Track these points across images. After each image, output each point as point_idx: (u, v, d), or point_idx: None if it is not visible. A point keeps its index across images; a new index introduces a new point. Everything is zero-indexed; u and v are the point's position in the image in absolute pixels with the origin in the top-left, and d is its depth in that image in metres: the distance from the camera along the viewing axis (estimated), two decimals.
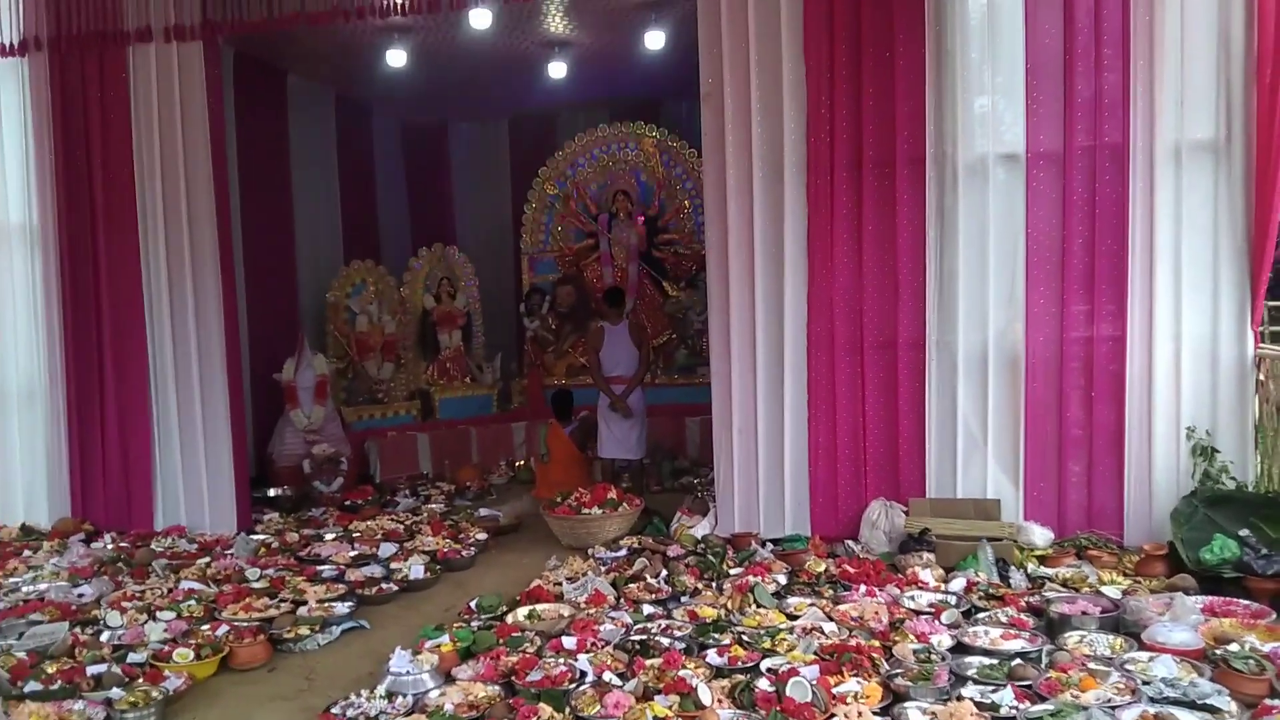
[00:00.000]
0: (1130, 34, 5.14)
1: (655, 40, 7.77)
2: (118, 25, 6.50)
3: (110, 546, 6.24)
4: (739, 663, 3.81)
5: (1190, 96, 5.13)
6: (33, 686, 3.84)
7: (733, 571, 5.08)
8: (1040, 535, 5.21)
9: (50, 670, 3.99)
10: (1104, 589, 4.53)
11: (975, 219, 5.43)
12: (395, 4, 6.22)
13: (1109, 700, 3.27)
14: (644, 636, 4.12)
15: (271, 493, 7.58)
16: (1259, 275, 5.08)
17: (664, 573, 5.09)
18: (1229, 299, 5.15)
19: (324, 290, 9.03)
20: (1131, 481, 5.26)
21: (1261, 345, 5.16)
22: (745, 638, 4.07)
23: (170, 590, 5.25)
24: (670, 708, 3.37)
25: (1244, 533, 4.56)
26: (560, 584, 5.05)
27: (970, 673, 3.61)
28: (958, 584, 4.69)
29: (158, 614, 4.80)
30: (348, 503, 7.36)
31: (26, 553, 6.10)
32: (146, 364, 6.60)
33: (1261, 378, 5.07)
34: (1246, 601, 4.17)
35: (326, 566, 5.66)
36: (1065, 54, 5.23)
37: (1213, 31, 5.11)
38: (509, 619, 4.55)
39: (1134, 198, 5.19)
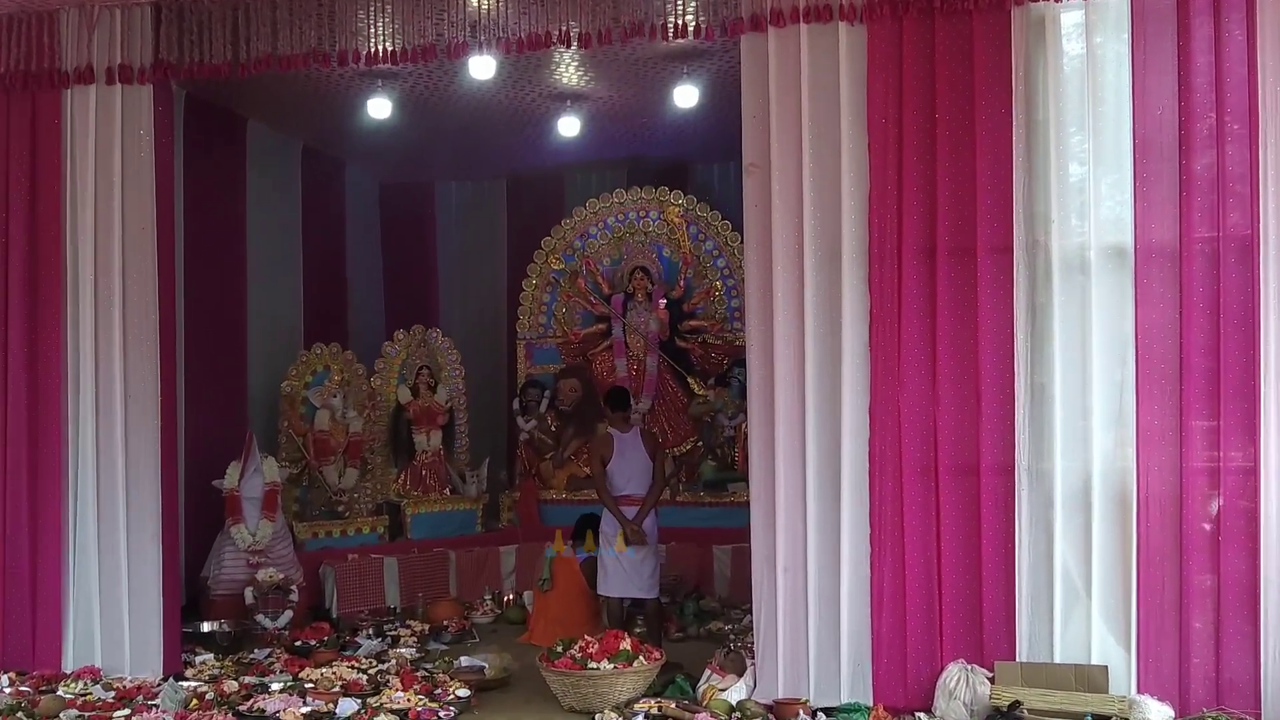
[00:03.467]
0: (1259, 106, 5.23)
1: (686, 96, 7.94)
2: (54, 64, 6.64)
3: (9, 691, 6.15)
4: None
5: None
6: None
7: None
8: (1158, 712, 5.10)
9: None
10: None
11: (1074, 320, 5.46)
12: (383, 50, 6.37)
13: None
14: None
15: (205, 627, 7.50)
16: None
17: None
18: None
19: (278, 379, 9.06)
20: (1270, 646, 5.19)
21: None
22: None
23: None
24: None
25: None
26: None
27: None
28: None
29: None
30: (298, 643, 7.26)
31: None
32: (61, 466, 6.57)
33: None
34: None
35: None
36: (1181, 128, 5.32)
37: None
38: None
39: (1266, 300, 5.22)
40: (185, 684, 6.32)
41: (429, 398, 9.49)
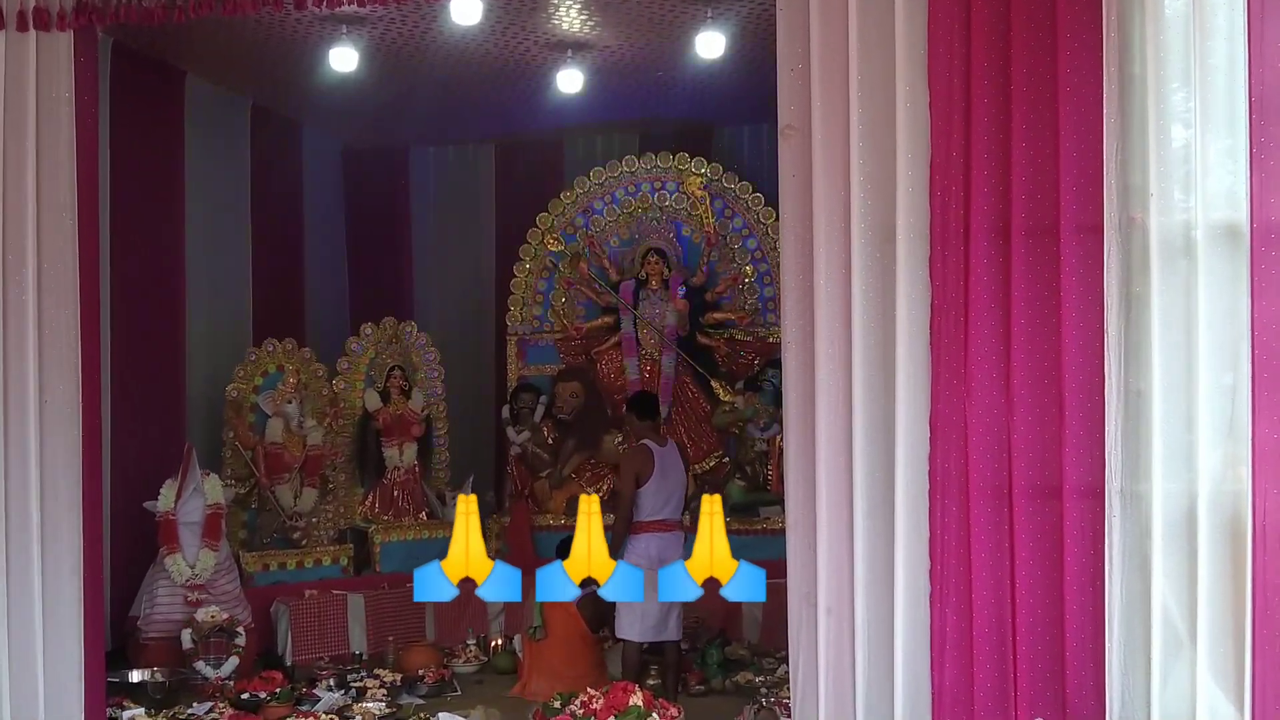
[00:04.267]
0: None
1: (710, 45, 7.94)
2: None
3: None
4: None
5: None
6: None
7: None
8: None
9: None
10: None
11: (1177, 313, 5.40)
12: None
13: None
14: None
15: (135, 676, 7.55)
16: None
17: None
18: None
19: (222, 381, 9.10)
20: None
21: None
22: None
23: None
24: None
25: None
26: None
27: None
28: None
29: None
30: (245, 695, 7.26)
31: None
32: None
33: None
34: None
35: None
36: None
37: None
38: None
39: None
40: None
41: (402, 404, 9.51)
